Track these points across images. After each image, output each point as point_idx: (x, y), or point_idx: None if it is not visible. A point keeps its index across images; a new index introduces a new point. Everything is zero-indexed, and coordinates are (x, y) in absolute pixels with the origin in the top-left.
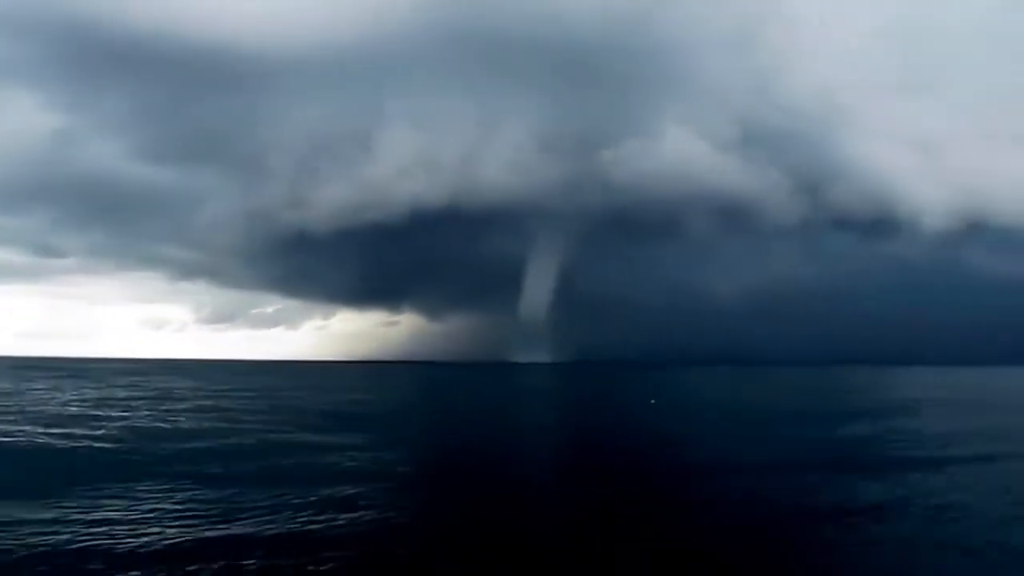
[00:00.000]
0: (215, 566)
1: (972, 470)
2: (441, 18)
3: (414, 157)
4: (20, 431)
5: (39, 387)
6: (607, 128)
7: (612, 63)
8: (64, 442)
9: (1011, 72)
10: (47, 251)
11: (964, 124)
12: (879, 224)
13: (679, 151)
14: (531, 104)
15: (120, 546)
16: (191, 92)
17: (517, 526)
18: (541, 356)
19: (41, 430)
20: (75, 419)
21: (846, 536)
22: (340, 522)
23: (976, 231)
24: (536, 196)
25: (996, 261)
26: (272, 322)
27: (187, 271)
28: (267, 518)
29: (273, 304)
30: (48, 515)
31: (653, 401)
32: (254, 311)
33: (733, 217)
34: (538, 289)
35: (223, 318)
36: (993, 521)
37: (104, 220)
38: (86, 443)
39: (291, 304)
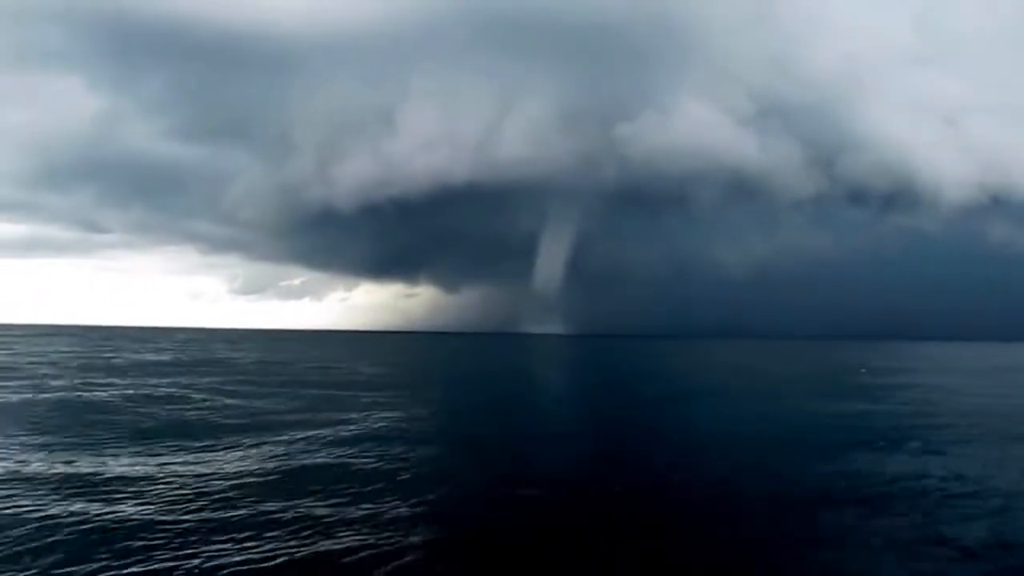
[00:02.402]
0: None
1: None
2: None
3: (435, 133)
4: None
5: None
6: (624, 103)
7: (630, 38)
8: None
9: None
10: (92, 227)
11: (987, 95)
12: (896, 197)
13: (695, 125)
14: (550, 79)
15: None
16: (222, 73)
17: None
18: (554, 327)
19: None
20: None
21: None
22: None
23: (1000, 204)
24: (552, 170)
25: (1021, 234)
26: (299, 293)
27: (219, 245)
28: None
29: (300, 276)
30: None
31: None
32: (282, 283)
33: (748, 191)
34: (551, 262)
35: (253, 289)
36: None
37: (143, 197)
38: None
39: (316, 276)
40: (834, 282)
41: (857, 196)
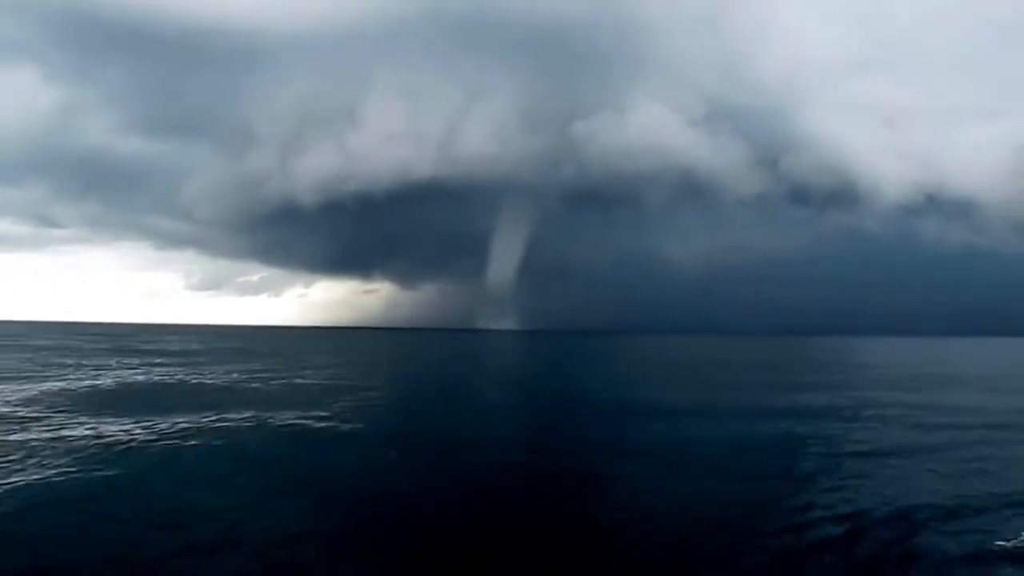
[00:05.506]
0: None
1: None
2: None
3: (397, 129)
4: None
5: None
6: (581, 102)
7: (588, 39)
8: None
9: (971, 47)
10: (47, 222)
11: (924, 99)
12: (837, 196)
13: (649, 124)
14: (511, 78)
15: None
16: (184, 67)
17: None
18: (509, 324)
19: None
20: None
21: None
22: None
23: (933, 202)
24: (511, 168)
25: (952, 232)
26: (257, 289)
27: (175, 241)
28: None
29: (257, 272)
30: None
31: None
32: (240, 279)
33: (696, 190)
34: (505, 259)
35: (211, 285)
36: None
37: (99, 192)
38: None
39: (275, 273)
40: (781, 279)
41: (799, 195)
